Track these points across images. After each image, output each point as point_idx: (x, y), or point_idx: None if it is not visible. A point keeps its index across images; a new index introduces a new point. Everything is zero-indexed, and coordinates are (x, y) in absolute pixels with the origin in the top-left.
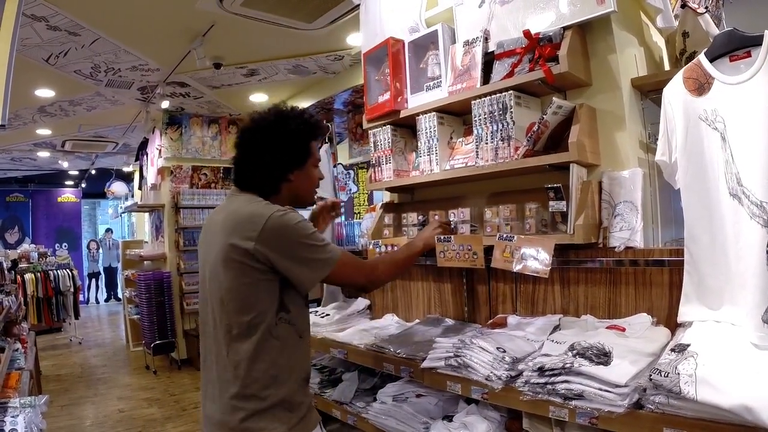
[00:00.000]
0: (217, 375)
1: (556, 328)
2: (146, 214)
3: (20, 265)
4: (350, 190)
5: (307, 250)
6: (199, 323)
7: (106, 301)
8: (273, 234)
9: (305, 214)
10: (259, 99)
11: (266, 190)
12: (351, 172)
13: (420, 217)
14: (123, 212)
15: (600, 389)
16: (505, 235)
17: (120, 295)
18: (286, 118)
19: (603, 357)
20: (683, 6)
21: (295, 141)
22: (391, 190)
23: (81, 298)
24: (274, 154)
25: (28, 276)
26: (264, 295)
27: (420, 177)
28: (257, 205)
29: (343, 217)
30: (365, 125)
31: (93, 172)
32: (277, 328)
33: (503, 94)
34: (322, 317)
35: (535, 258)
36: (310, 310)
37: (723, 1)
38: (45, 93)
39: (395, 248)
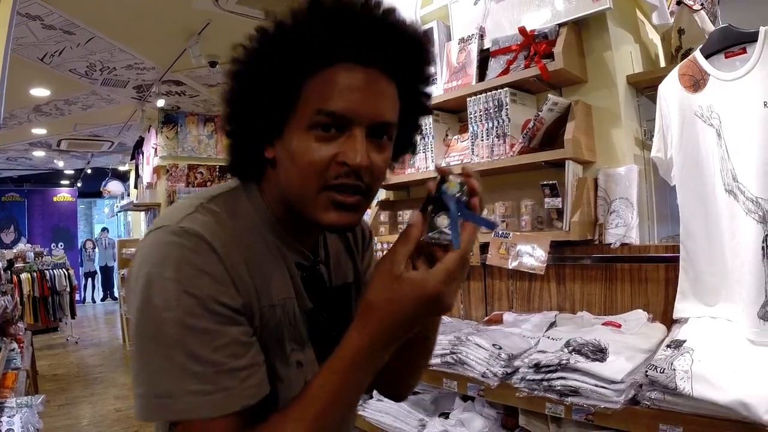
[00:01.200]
0: None
1: (552, 324)
2: (142, 213)
3: (16, 265)
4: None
5: (140, 351)
6: None
7: (103, 300)
8: (128, 290)
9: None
10: None
11: (248, 176)
12: None
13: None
14: (119, 211)
15: (596, 385)
16: (500, 232)
17: (116, 295)
18: (265, 35)
19: (599, 353)
20: (679, 3)
21: (270, 77)
22: (386, 187)
23: (77, 297)
24: (237, 112)
25: (24, 276)
26: None
27: (416, 174)
28: (169, 211)
29: None
30: None
31: (89, 171)
32: None
33: (499, 91)
34: None
35: (531, 255)
36: None
37: None
38: (40, 92)
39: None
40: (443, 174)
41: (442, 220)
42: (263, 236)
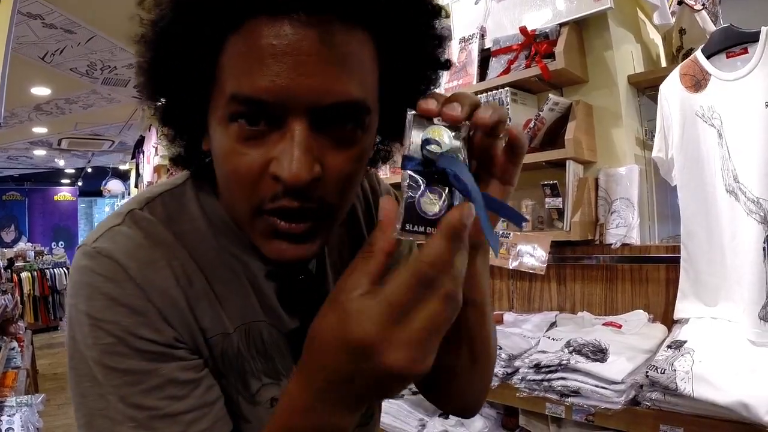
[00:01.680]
0: None
1: (553, 325)
2: None
3: (17, 264)
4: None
5: (76, 387)
6: None
7: None
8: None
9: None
10: None
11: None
12: None
13: None
14: None
15: (596, 386)
16: (501, 232)
17: None
18: None
19: (599, 354)
20: (680, 3)
21: (173, 42)
22: None
23: None
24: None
25: (24, 274)
26: None
27: None
28: (101, 222)
29: None
30: None
31: (89, 170)
32: None
33: (499, 90)
34: None
35: (532, 255)
36: None
37: None
38: (41, 91)
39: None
40: (427, 115)
41: (432, 202)
42: (213, 246)
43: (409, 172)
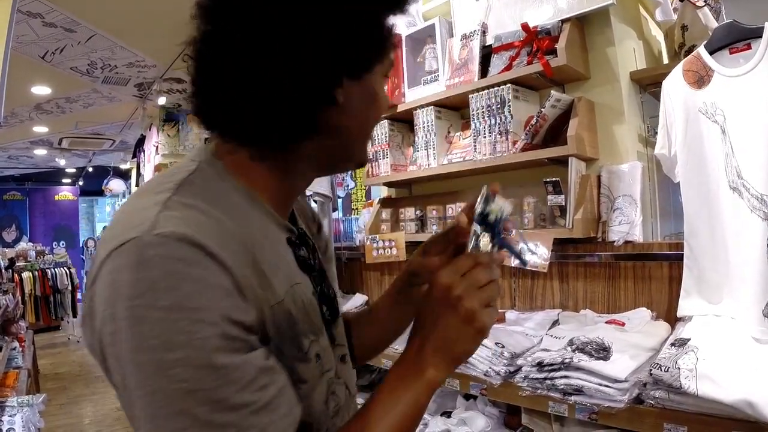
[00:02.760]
0: None
1: (555, 323)
2: None
3: (18, 264)
4: (348, 185)
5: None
6: None
7: None
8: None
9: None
10: None
11: (270, 139)
12: None
13: (417, 212)
14: None
15: (600, 384)
16: None
17: None
18: None
19: (602, 352)
20: None
21: (351, 12)
22: (388, 185)
23: (79, 296)
24: (294, 43)
25: (25, 274)
26: None
27: (417, 171)
28: (125, 216)
29: (340, 213)
30: None
31: (90, 169)
32: None
33: (501, 87)
34: None
35: (534, 252)
36: None
37: None
38: (41, 90)
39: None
40: (494, 193)
41: (486, 243)
42: (252, 219)
43: (475, 223)
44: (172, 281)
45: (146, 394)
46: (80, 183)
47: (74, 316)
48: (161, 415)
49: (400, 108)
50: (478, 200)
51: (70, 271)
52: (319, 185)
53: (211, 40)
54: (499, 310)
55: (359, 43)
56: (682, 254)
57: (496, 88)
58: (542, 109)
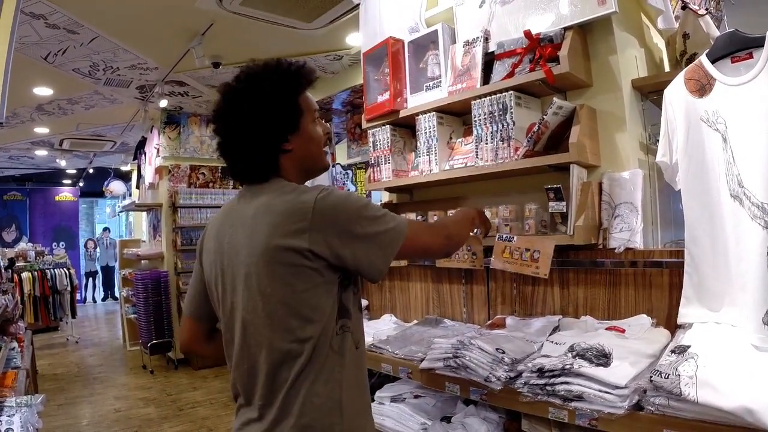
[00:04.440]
0: (262, 405)
1: (556, 329)
2: (144, 214)
3: (17, 264)
4: (348, 190)
5: (371, 224)
6: (225, 345)
7: (103, 300)
8: (326, 219)
9: None
10: None
11: (265, 172)
12: (349, 172)
13: (419, 218)
14: (120, 211)
15: (600, 391)
16: (504, 236)
17: (117, 295)
18: (258, 79)
19: (603, 358)
20: (684, 7)
21: (278, 102)
22: (389, 190)
23: (78, 297)
24: (256, 127)
25: (25, 275)
26: (325, 301)
27: (419, 177)
28: (292, 194)
29: None
30: (364, 125)
31: (91, 171)
32: (336, 338)
33: (503, 94)
34: None
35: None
36: None
37: (724, 3)
38: (43, 91)
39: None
40: None
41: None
42: None
43: None
44: (345, 193)
45: (365, 222)
46: (81, 184)
47: (73, 316)
48: (370, 223)
49: (403, 114)
50: None
51: (69, 272)
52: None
53: (222, 139)
54: (500, 316)
55: (286, 118)
56: (683, 261)
57: (498, 95)
58: (544, 116)
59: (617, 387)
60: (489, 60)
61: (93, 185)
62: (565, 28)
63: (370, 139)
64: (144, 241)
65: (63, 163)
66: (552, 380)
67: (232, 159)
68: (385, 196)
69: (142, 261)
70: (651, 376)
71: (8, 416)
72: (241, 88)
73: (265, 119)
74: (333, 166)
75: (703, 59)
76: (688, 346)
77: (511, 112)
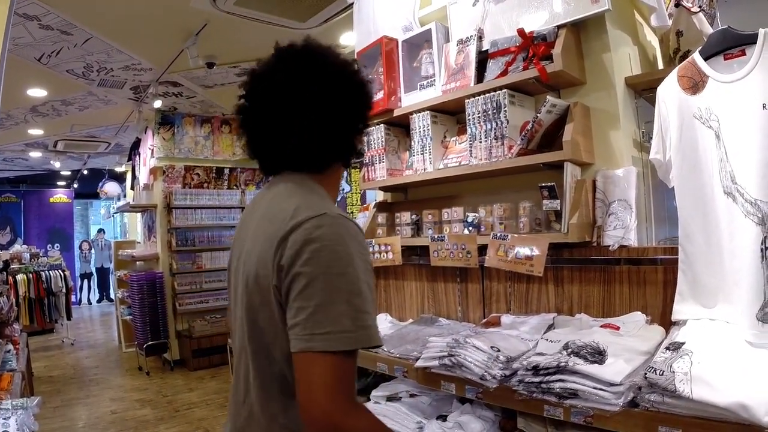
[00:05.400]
0: (262, 405)
1: (551, 327)
2: (138, 215)
3: (12, 266)
4: (343, 189)
5: (346, 296)
6: (231, 341)
7: (99, 301)
8: (313, 250)
9: None
10: None
11: (317, 159)
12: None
13: (413, 216)
14: (115, 212)
15: (595, 388)
16: (498, 234)
17: (112, 296)
18: (348, 63)
19: (597, 355)
20: (677, 5)
21: (363, 97)
22: (384, 189)
23: (73, 298)
24: (340, 107)
25: (19, 277)
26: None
27: (413, 176)
28: (305, 198)
29: None
30: None
31: (85, 172)
32: None
33: (497, 92)
34: None
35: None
36: None
37: (717, 0)
38: (37, 92)
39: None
40: None
41: None
42: None
43: None
44: (355, 232)
45: (341, 271)
46: (75, 185)
47: (68, 318)
48: (348, 277)
49: (397, 112)
50: None
51: (64, 274)
52: None
53: (275, 104)
54: (495, 314)
55: (365, 106)
56: (677, 258)
57: (492, 94)
58: (538, 115)
59: (612, 384)
60: (483, 58)
61: (87, 187)
62: (559, 26)
63: (365, 139)
64: (139, 243)
65: (57, 165)
66: (547, 378)
67: (280, 135)
68: (380, 195)
69: (137, 262)
70: (646, 373)
71: (4, 419)
72: (333, 61)
73: (351, 96)
74: None
75: (696, 56)
76: (683, 343)
77: (505, 111)
